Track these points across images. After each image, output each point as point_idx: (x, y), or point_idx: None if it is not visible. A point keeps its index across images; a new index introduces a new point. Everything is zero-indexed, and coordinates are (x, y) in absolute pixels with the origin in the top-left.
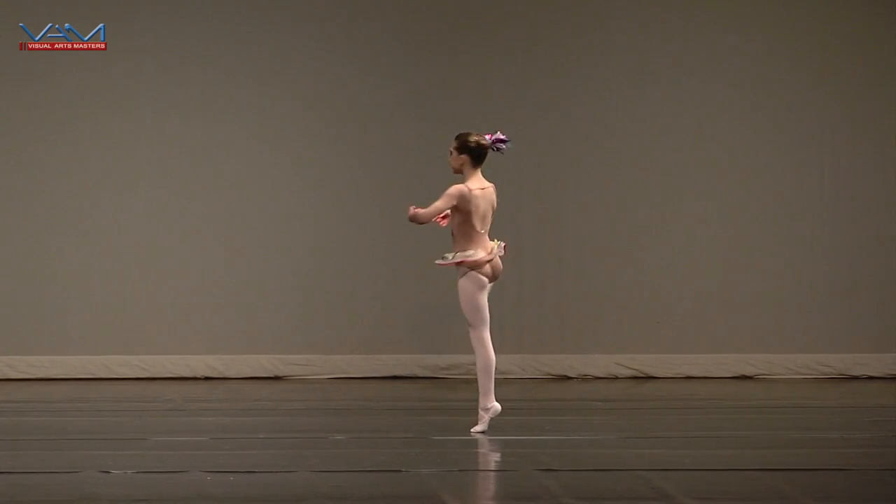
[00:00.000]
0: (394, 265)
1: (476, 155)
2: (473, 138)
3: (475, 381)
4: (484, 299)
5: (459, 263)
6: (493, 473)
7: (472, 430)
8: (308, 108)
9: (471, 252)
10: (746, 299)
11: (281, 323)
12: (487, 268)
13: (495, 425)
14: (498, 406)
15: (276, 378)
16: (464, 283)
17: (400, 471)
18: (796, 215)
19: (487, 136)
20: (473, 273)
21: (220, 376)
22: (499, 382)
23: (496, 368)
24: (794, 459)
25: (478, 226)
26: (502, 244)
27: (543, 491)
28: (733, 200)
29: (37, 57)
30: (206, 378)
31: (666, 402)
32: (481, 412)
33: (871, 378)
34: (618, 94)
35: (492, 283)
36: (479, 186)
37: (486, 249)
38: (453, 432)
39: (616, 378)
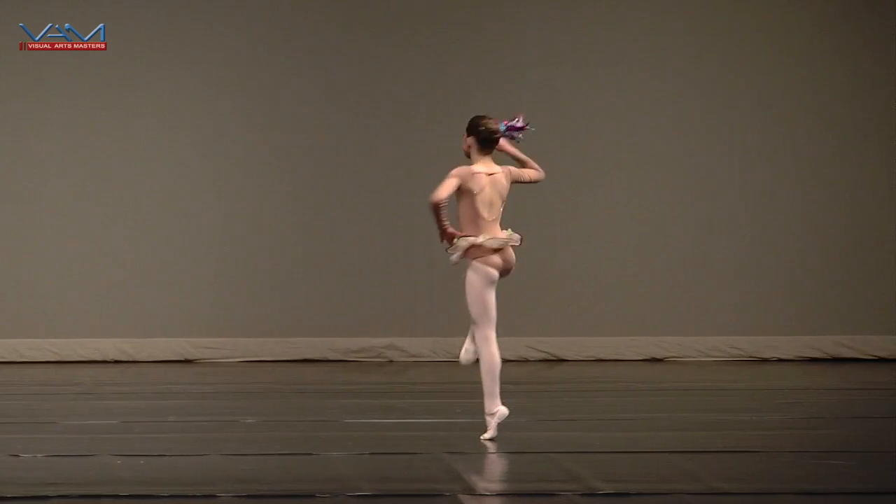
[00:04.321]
0: (305, 248)
1: (482, 139)
2: (483, 121)
3: (387, 363)
4: (491, 295)
5: (465, 253)
6: (404, 456)
7: (481, 437)
8: (217, 92)
9: (472, 238)
10: (657, 282)
11: (192, 306)
12: (496, 258)
13: (407, 408)
14: (504, 410)
15: (187, 361)
16: (470, 276)
17: (311, 454)
18: (708, 199)
19: (503, 123)
20: (479, 264)
21: (131, 360)
22: (410, 365)
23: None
24: (705, 442)
25: (483, 212)
26: (518, 236)
27: (454, 474)
28: (644, 184)
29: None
30: (117, 361)
31: (577, 385)
32: (487, 417)
33: (781, 360)
34: (531, 77)
35: (503, 276)
36: (486, 171)
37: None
38: (365, 415)
39: (527, 361)
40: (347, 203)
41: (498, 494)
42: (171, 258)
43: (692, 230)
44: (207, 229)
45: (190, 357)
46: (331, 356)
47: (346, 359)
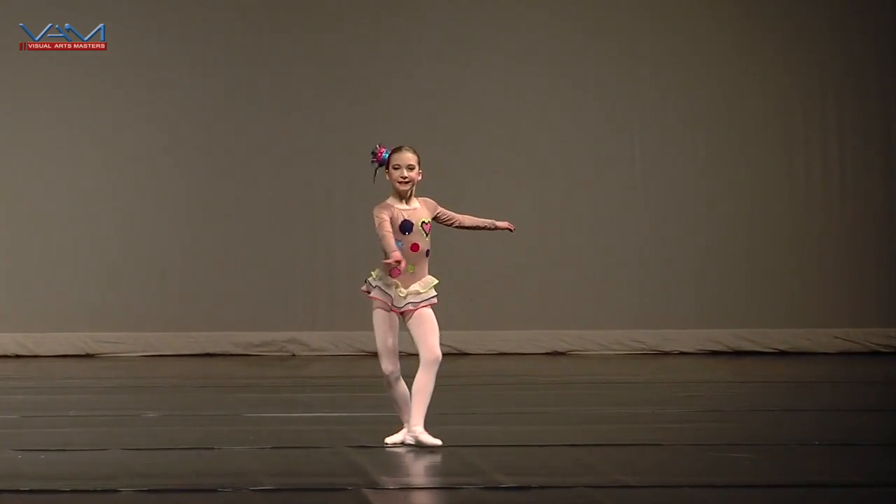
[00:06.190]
0: (205, 243)
1: None
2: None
3: (289, 357)
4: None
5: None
6: (305, 450)
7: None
8: (119, 88)
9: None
10: (559, 276)
11: (92, 301)
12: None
13: (309, 402)
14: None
15: (88, 356)
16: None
17: (212, 448)
18: (609, 193)
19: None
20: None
21: (31, 354)
22: (312, 359)
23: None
24: (606, 435)
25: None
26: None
27: (356, 468)
28: (545, 177)
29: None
30: (17, 356)
31: (479, 379)
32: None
33: (682, 353)
34: (424, 73)
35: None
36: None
37: None
38: (266, 409)
39: None
40: (249, 197)
41: (400, 488)
42: (72, 252)
43: (593, 224)
44: (108, 223)
45: (90, 351)
46: (232, 350)
47: (247, 353)
